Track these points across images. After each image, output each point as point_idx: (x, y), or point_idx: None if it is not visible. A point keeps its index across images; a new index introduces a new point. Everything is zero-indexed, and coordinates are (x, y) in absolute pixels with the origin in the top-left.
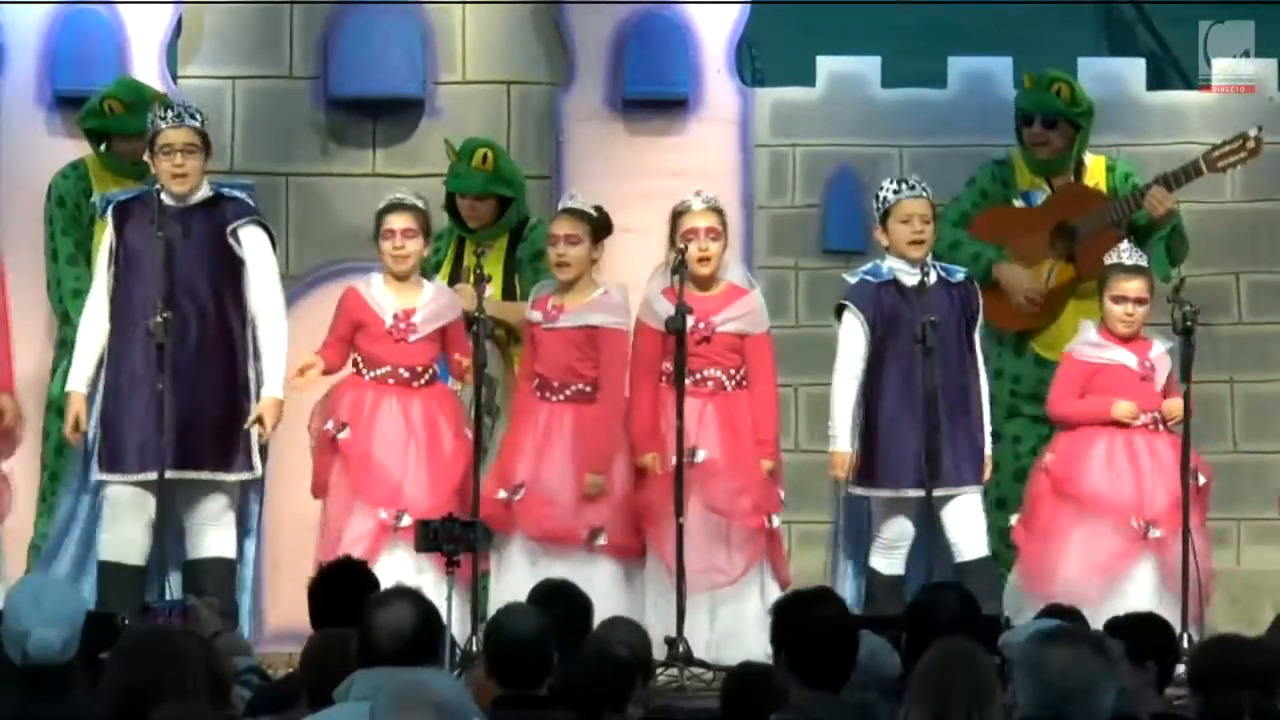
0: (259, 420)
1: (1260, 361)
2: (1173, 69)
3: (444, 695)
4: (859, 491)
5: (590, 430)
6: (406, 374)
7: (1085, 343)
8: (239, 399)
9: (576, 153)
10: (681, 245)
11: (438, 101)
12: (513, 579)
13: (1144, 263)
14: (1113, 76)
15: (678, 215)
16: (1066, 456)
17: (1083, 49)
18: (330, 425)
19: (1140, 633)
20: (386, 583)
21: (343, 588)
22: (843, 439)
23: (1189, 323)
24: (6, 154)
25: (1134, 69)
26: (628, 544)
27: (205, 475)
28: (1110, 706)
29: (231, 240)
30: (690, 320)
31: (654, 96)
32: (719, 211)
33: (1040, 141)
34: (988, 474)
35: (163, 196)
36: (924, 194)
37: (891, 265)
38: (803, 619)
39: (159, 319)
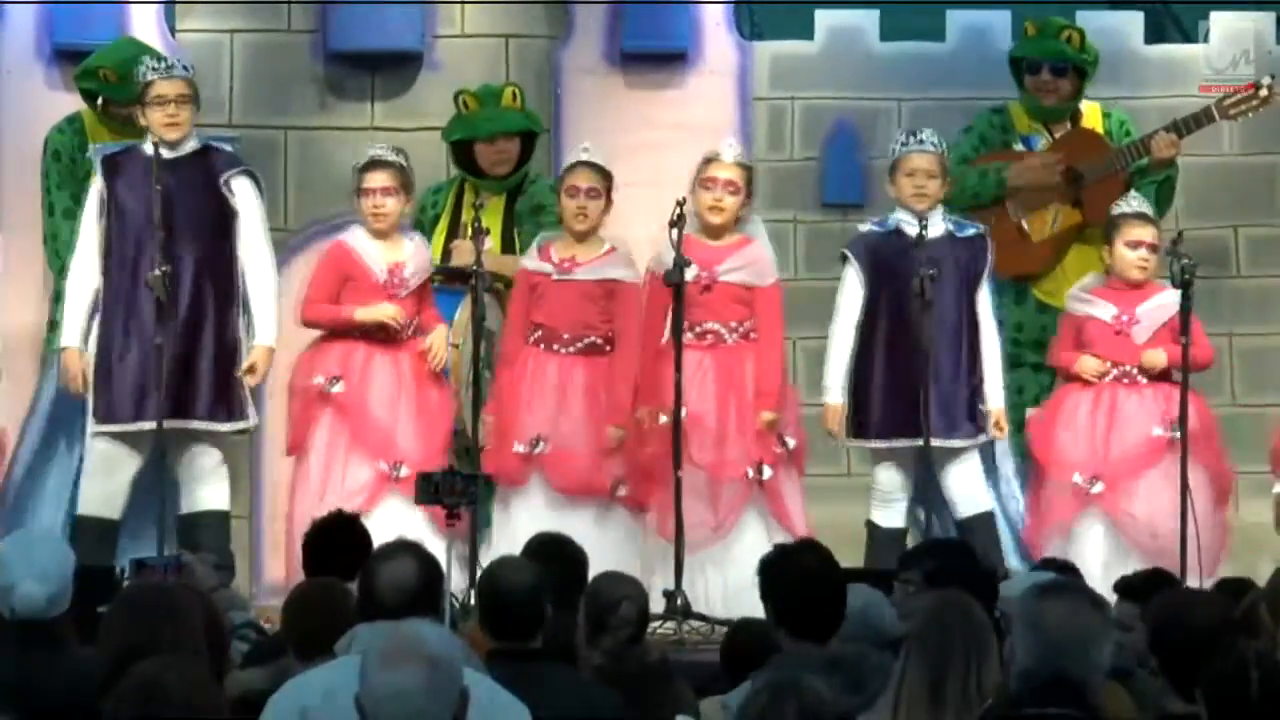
0: (250, 369)
1: (1259, 315)
2: (1171, 22)
3: (436, 648)
4: (852, 443)
5: (607, 383)
6: (396, 327)
7: (1073, 295)
8: (233, 349)
9: (575, 106)
10: (681, 199)
11: (436, 55)
12: (531, 531)
13: (1150, 210)
14: (1111, 29)
15: (705, 161)
16: (1045, 415)
17: (1081, 2)
18: (320, 380)
19: (1152, 592)
20: (384, 534)
21: (338, 542)
22: (834, 391)
23: (1187, 276)
24: (5, 107)
25: (1132, 22)
26: (643, 497)
27: (201, 425)
28: (1107, 660)
29: (225, 190)
30: (694, 270)
31: (653, 50)
32: (745, 169)
33: (1048, 89)
34: (997, 430)
35: (155, 149)
36: (931, 149)
37: (898, 217)
38: (786, 571)
39: (157, 273)
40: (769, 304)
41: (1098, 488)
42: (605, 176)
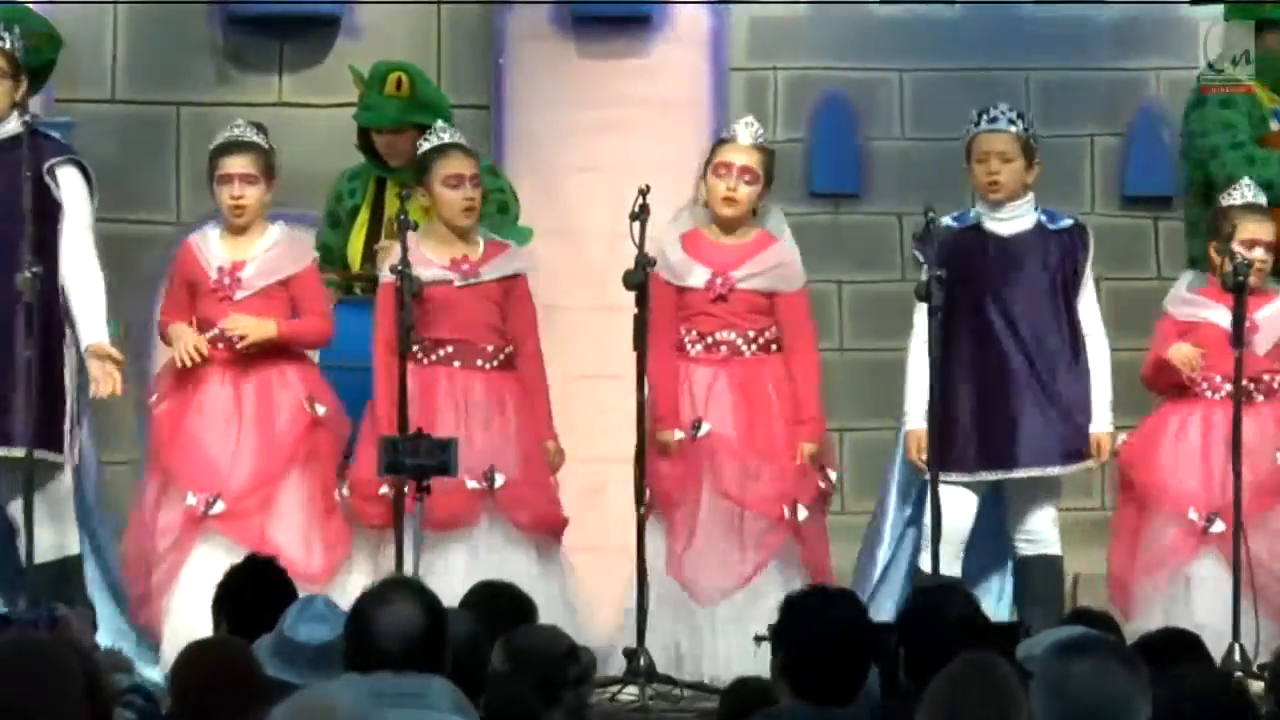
0: (97, 384)
1: None
2: None
3: (349, 715)
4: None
5: (529, 395)
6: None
7: (1178, 297)
8: (57, 364)
9: (519, 78)
10: (644, 186)
11: (356, 19)
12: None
13: (1264, 200)
14: None
15: (718, 143)
16: (1140, 436)
17: None
18: (154, 398)
19: (1165, 653)
20: (203, 584)
21: (255, 590)
22: (914, 415)
23: (1240, 277)
24: None
25: None
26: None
27: (21, 454)
28: None
29: (49, 180)
30: (707, 274)
31: (611, 13)
32: (765, 152)
33: None
34: (1102, 455)
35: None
36: (1008, 127)
37: (979, 210)
38: (808, 618)
39: (28, 274)
40: (798, 313)
41: (1218, 526)
42: (476, 158)
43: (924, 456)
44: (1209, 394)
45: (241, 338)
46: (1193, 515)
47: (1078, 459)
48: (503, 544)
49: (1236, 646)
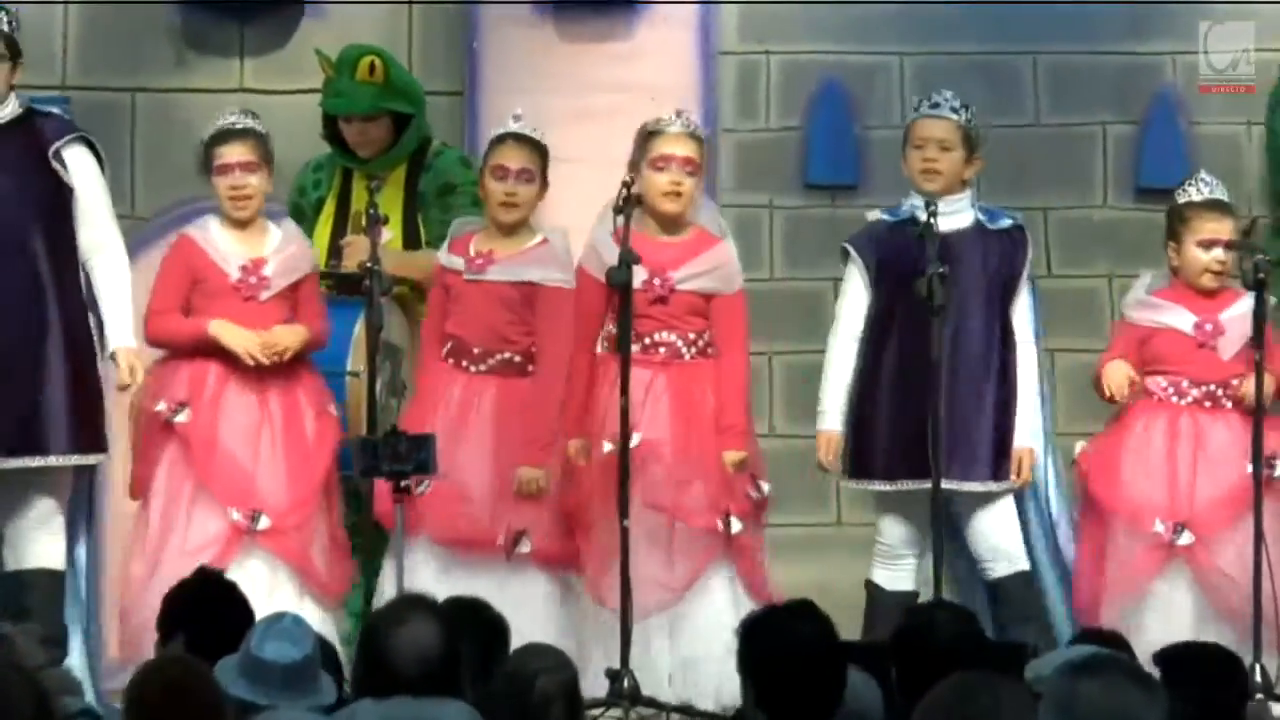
0: (130, 375)
1: None
2: None
3: None
4: (853, 484)
5: (523, 411)
6: (251, 363)
7: (1135, 300)
8: (80, 361)
9: (495, 65)
10: (628, 178)
11: (321, 1)
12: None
13: (1227, 196)
14: None
15: (649, 136)
16: (1102, 443)
17: None
18: (163, 405)
19: (1195, 668)
20: None
21: (204, 605)
22: (831, 416)
23: (1260, 274)
24: None
25: None
26: (558, 551)
27: (59, 461)
28: None
29: (56, 164)
30: (643, 274)
31: None
32: (700, 140)
33: None
34: (1024, 473)
35: None
36: (948, 114)
37: (914, 203)
38: (771, 640)
39: None
40: (733, 316)
41: (1185, 538)
42: (540, 153)
43: (831, 459)
44: (1175, 399)
45: (283, 352)
46: (1159, 528)
47: (1005, 476)
48: (425, 560)
49: (1257, 666)
